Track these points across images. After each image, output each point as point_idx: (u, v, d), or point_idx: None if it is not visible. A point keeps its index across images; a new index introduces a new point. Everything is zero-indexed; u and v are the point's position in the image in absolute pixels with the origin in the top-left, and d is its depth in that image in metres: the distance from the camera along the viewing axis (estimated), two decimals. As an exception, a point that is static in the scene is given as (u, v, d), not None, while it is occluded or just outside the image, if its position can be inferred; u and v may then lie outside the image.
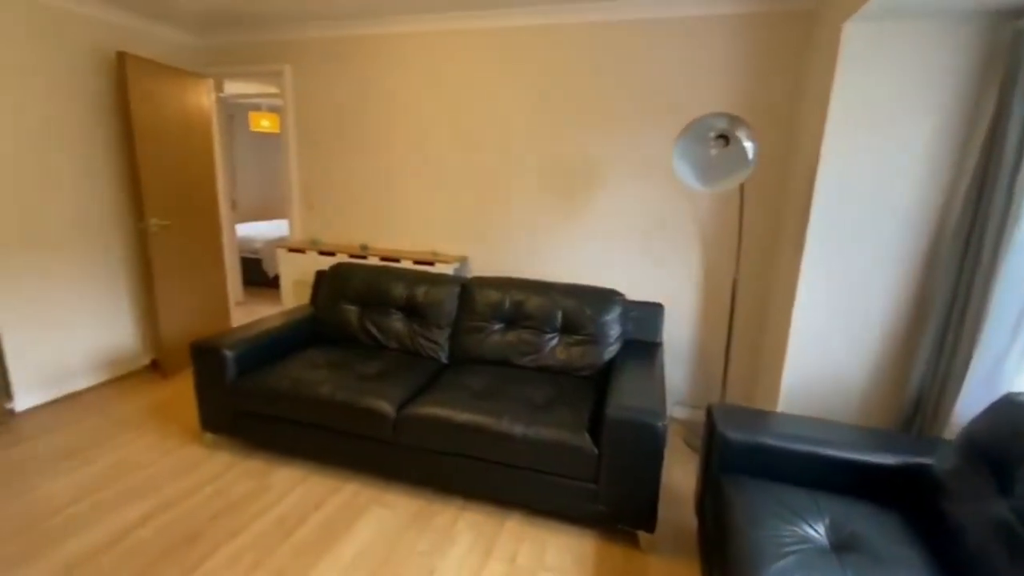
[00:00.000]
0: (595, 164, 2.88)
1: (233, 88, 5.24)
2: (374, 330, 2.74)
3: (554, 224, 3.03)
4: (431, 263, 3.11)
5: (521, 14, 2.84)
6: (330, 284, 2.88)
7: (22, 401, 2.77)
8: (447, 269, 3.07)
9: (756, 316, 2.74)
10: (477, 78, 3.04)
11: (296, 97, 3.48)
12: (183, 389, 3.11)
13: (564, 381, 2.34)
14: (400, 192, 3.35)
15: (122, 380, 3.22)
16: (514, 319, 2.57)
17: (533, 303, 2.54)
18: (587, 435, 1.89)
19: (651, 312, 2.57)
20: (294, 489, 2.17)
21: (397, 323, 2.72)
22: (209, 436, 2.48)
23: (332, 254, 3.34)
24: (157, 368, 3.39)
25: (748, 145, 2.10)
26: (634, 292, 2.93)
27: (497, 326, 2.59)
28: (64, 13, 2.79)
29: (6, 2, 2.55)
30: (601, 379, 2.37)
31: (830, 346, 2.10)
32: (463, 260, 3.23)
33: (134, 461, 2.34)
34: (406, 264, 3.15)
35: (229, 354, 2.32)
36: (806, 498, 1.53)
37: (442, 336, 2.65)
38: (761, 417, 1.81)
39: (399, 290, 2.74)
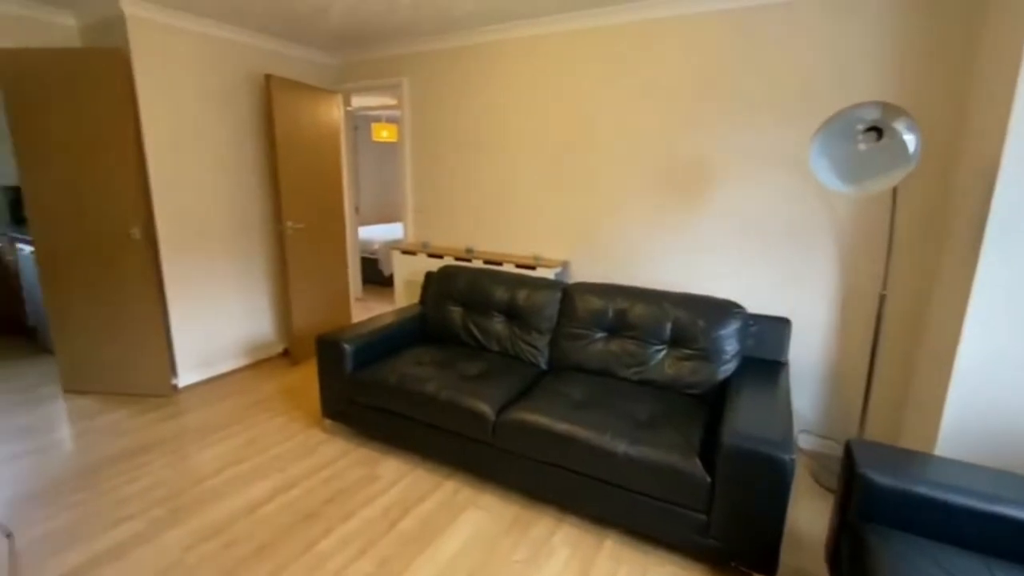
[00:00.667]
0: (713, 164, 2.67)
1: (358, 101, 5.71)
2: (476, 331, 2.79)
3: (665, 229, 2.86)
4: (533, 267, 3.10)
5: (631, 9, 2.72)
6: (437, 285, 2.99)
7: (184, 378, 3.25)
8: (548, 273, 3.04)
9: (906, 337, 2.34)
10: (587, 78, 2.98)
11: (412, 107, 3.68)
12: (309, 376, 3.43)
13: (671, 398, 2.19)
14: (506, 196, 3.39)
15: (260, 365, 3.64)
16: (617, 328, 2.46)
17: (639, 312, 2.41)
18: (698, 461, 1.74)
19: (775, 328, 2.31)
20: (400, 481, 2.28)
21: (498, 325, 2.75)
22: (328, 422, 2.70)
23: (440, 256, 3.47)
24: (288, 356, 3.78)
25: (909, 138, 1.78)
26: (754, 305, 2.66)
27: (599, 334, 2.50)
28: (227, 43, 3.22)
29: (185, 37, 3.00)
30: (714, 399, 2.17)
31: (1010, 377, 1.72)
32: (565, 265, 3.18)
33: (265, 440, 2.61)
34: (508, 267, 3.17)
35: (348, 348, 2.50)
36: (976, 565, 1.26)
37: (542, 341, 2.62)
38: (916, 460, 1.53)
39: (501, 293, 2.76)
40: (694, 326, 2.29)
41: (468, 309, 2.86)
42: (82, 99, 2.72)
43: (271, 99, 3.23)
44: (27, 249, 3.56)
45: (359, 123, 7.46)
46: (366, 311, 5.01)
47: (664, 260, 2.89)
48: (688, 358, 2.28)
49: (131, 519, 2.00)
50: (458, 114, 3.48)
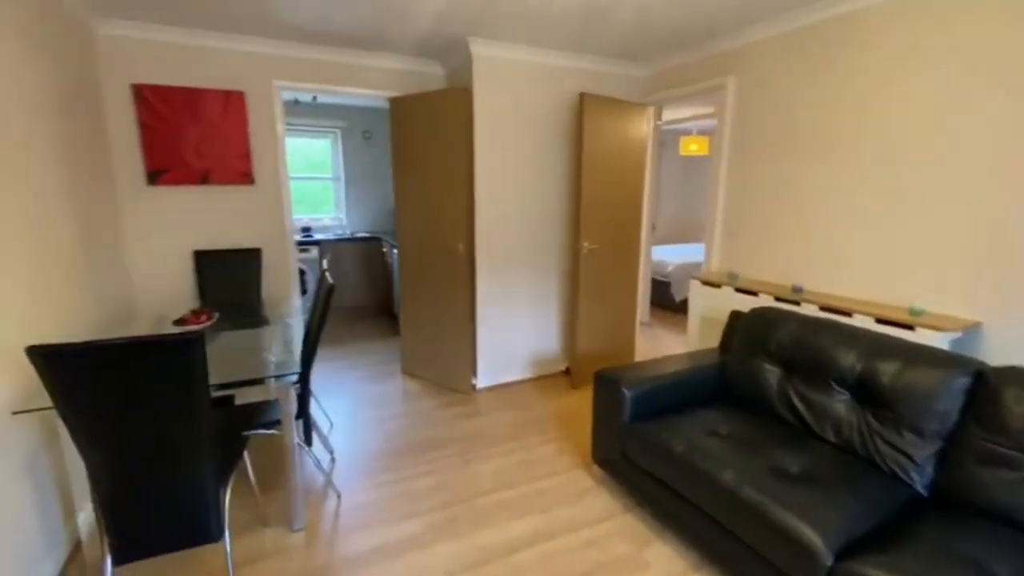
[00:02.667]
0: None
1: (668, 114, 5.35)
2: (801, 406, 2.04)
3: None
4: (908, 326, 2.10)
5: None
6: (747, 331, 2.35)
7: (481, 380, 3.53)
8: (939, 340, 2.00)
9: None
10: (990, 49, 1.82)
11: (736, 111, 3.08)
12: (586, 403, 3.27)
13: None
14: (855, 216, 2.45)
15: (542, 380, 3.69)
16: (1106, 467, 1.35)
17: None
18: None
19: None
20: (671, 579, 1.80)
21: (839, 406, 1.93)
22: (597, 469, 2.42)
23: (753, 294, 2.78)
24: (569, 375, 3.73)
25: None
26: None
27: (1055, 467, 1.43)
28: (545, 68, 3.34)
29: (513, 67, 3.23)
30: None
31: None
32: (972, 329, 2.05)
33: (535, 467, 2.52)
34: (861, 320, 2.25)
35: (628, 392, 2.16)
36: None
37: (922, 450, 1.69)
38: None
39: (848, 359, 1.93)
40: None
41: (791, 372, 2.13)
42: (438, 132, 3.21)
43: (583, 117, 3.18)
44: (396, 252, 4.55)
45: (665, 137, 7.12)
46: (651, 339, 4.61)
47: None
48: None
49: (414, 517, 2.15)
50: (791, 114, 2.71)
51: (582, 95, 3.15)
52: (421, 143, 3.32)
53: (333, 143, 5.67)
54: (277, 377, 1.88)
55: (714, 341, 2.96)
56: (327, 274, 2.61)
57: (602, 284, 3.55)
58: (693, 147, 5.56)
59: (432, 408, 3.21)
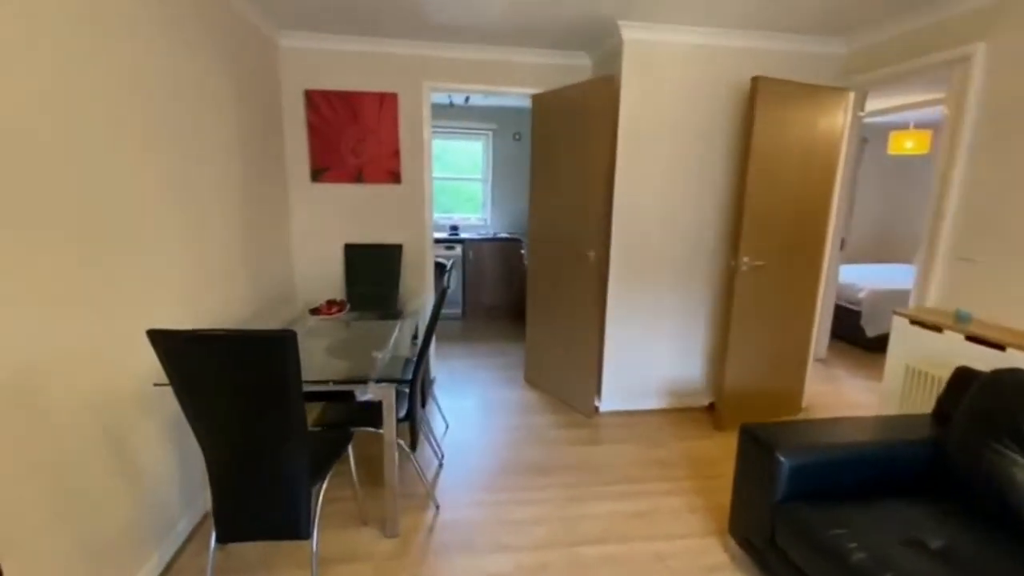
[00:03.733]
0: None
1: (875, 103, 4.31)
2: (1081, 533, 1.32)
3: None
4: None
5: None
6: (983, 400, 1.64)
7: (605, 403, 3.19)
8: None
9: None
10: None
11: (985, 92, 2.24)
12: (730, 450, 2.72)
13: None
14: None
15: (678, 413, 3.20)
16: None
17: None
18: None
19: None
20: None
21: None
22: (733, 545, 1.93)
23: (997, 346, 1.97)
24: (712, 412, 3.18)
25: None
26: None
27: None
28: (704, 49, 2.85)
29: (667, 50, 2.81)
30: None
31: None
32: None
33: (655, 523, 2.12)
34: None
35: (785, 461, 1.65)
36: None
37: None
38: None
39: None
40: None
41: (1063, 475, 1.41)
42: (577, 128, 2.96)
43: (755, 106, 2.63)
44: (531, 256, 4.41)
45: (869, 133, 5.84)
46: (828, 381, 3.74)
47: None
48: None
49: (506, 552, 1.93)
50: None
51: (755, 80, 2.61)
52: (559, 141, 3.09)
53: (485, 145, 5.79)
54: (378, 381, 1.82)
55: (923, 403, 2.20)
56: (448, 276, 2.55)
57: (766, 308, 2.93)
58: (908, 144, 4.39)
59: (547, 426, 2.97)
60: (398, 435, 1.98)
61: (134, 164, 1.70)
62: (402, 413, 2.13)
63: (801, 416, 3.24)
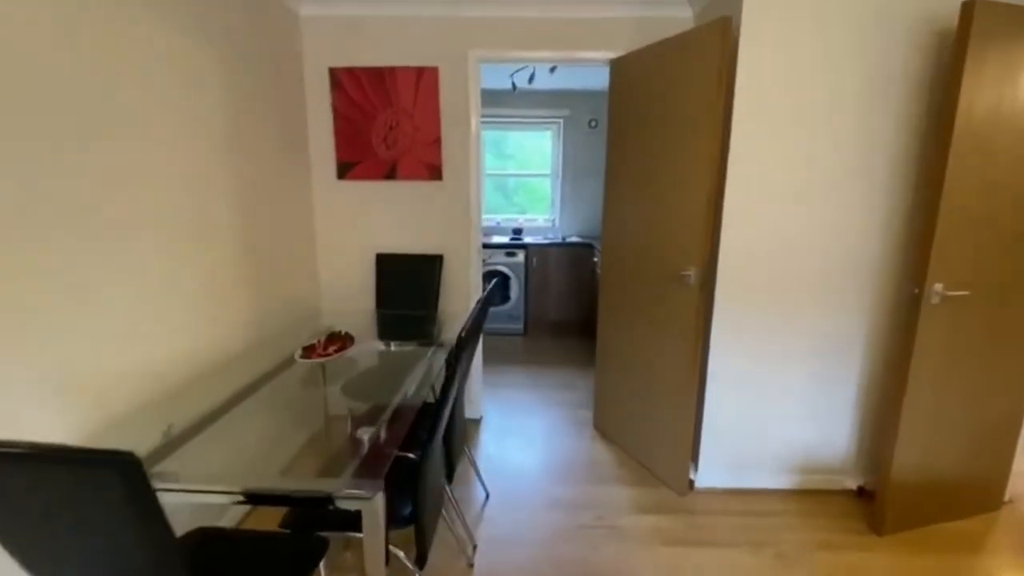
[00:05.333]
0: None
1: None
2: None
3: None
4: None
5: None
6: None
7: (703, 476, 2.33)
8: None
9: None
10: None
11: None
12: (901, 570, 1.78)
13: None
14: None
15: (811, 499, 2.26)
16: None
17: None
18: None
19: None
20: None
21: None
22: None
23: None
24: (864, 500, 2.22)
25: None
26: None
27: None
28: (893, -27, 1.89)
29: None
30: None
31: None
32: None
33: None
34: None
35: None
36: None
37: None
38: None
39: None
40: None
41: None
42: (672, 100, 2.14)
43: (964, 51, 1.66)
44: (606, 268, 3.61)
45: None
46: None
47: None
48: None
49: None
50: None
51: (968, 6, 1.64)
52: (646, 119, 2.28)
53: (555, 135, 5.03)
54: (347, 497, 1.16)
55: None
56: (490, 288, 1.86)
57: (966, 358, 1.94)
58: None
59: (621, 506, 2.19)
60: (396, 543, 1.32)
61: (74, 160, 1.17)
62: (405, 511, 1.46)
63: (1004, 512, 2.20)
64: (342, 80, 2.63)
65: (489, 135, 5.08)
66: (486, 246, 4.56)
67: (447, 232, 2.81)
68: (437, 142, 2.68)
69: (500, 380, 3.58)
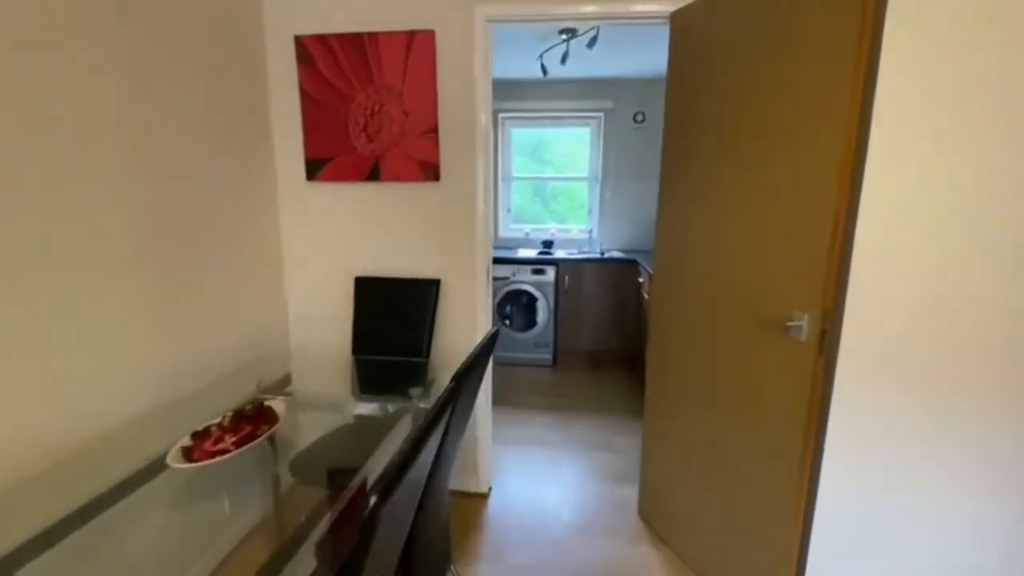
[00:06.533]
0: None
1: None
2: None
3: None
4: None
5: None
6: None
7: (811, 627, 1.53)
8: None
9: None
10: None
11: None
12: None
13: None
14: None
15: None
16: None
17: None
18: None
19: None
20: None
21: None
22: None
23: None
24: None
25: None
26: None
27: None
28: None
29: None
30: None
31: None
32: None
33: None
34: None
35: None
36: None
37: None
38: None
39: None
40: None
41: None
42: (772, 70, 1.39)
43: None
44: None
45: None
46: None
47: None
48: None
49: None
50: None
51: None
52: (726, 95, 1.53)
53: (594, 132, 4.31)
54: None
55: None
56: (500, 312, 1.17)
57: None
58: None
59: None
60: None
61: None
62: None
63: None
64: (312, 52, 2.02)
65: (520, 136, 4.41)
66: (510, 261, 3.89)
67: (446, 250, 2.14)
68: (433, 132, 2.02)
69: (519, 431, 2.87)
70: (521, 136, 4.43)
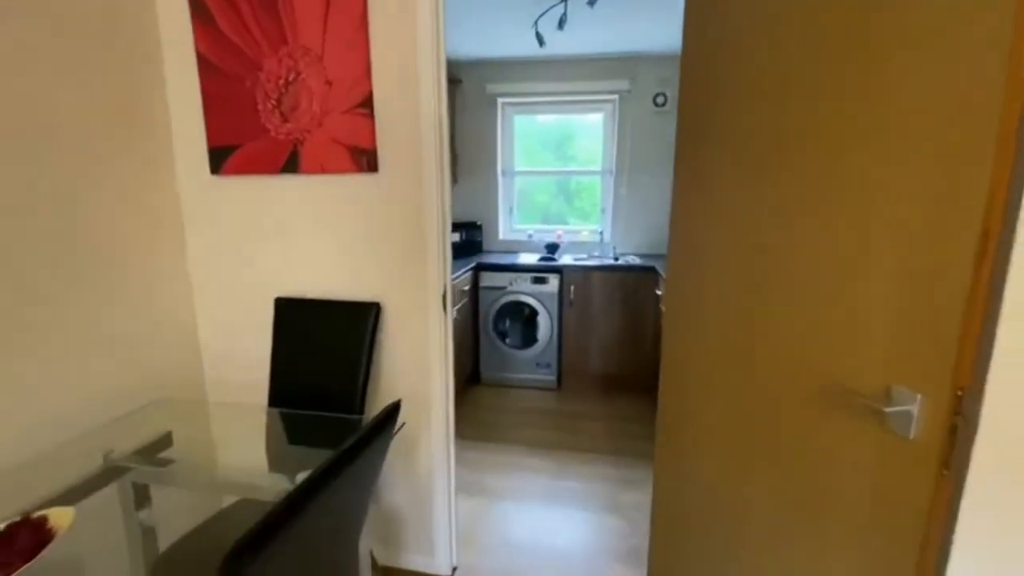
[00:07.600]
0: None
1: None
2: None
3: None
4: None
5: None
6: None
7: None
8: None
9: None
10: None
11: None
12: None
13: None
14: None
15: None
16: None
17: None
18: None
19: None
20: None
21: None
22: None
23: None
24: None
25: None
26: None
27: None
28: None
29: None
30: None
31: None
32: None
33: None
34: None
35: None
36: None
37: None
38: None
39: None
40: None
41: None
42: (865, 34, 0.82)
43: None
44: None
45: None
46: None
47: None
48: None
49: None
50: None
51: None
52: (774, 68, 0.96)
53: (608, 118, 3.72)
54: None
55: None
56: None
57: None
58: None
59: None
60: None
61: None
62: None
63: None
64: (209, 7, 1.53)
65: (523, 124, 3.86)
66: (505, 268, 3.38)
67: (386, 263, 1.63)
68: (365, 107, 1.51)
69: (502, 479, 2.35)
70: (525, 124, 3.89)
